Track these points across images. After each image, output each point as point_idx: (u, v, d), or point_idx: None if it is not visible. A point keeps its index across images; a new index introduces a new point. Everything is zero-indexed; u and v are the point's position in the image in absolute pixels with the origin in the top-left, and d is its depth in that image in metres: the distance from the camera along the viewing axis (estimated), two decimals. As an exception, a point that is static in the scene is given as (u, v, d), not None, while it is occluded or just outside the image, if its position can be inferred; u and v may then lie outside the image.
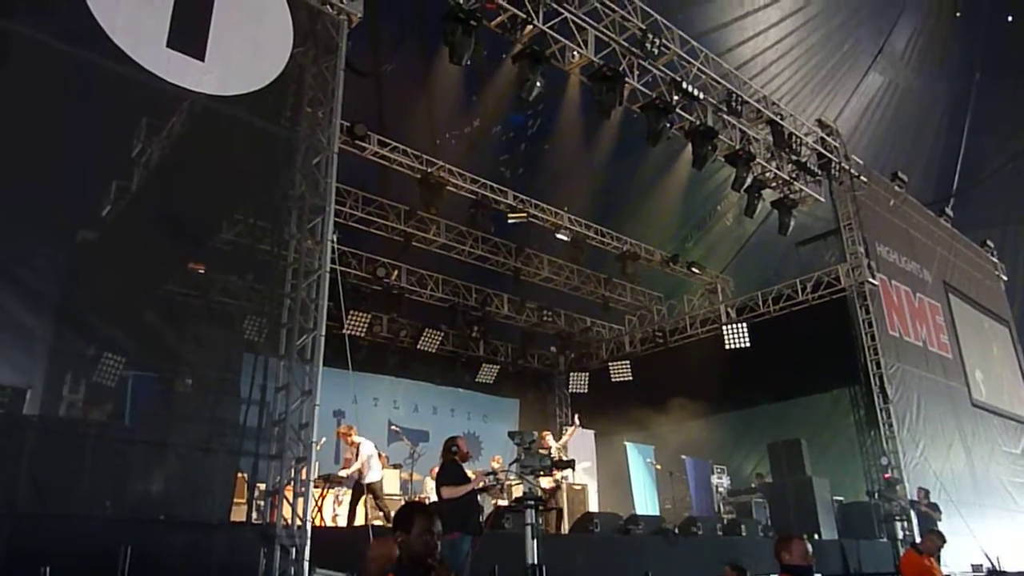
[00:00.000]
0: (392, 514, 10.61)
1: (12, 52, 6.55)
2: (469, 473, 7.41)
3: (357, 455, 10.92)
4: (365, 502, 11.09)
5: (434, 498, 8.41)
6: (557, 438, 13.16)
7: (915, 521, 12.59)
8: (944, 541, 7.99)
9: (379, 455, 11.63)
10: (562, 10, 11.07)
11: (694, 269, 18.28)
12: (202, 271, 9.64)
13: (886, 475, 13.50)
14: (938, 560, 7.84)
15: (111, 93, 7.00)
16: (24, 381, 6.99)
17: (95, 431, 7.32)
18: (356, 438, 11.08)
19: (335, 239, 7.91)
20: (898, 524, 12.90)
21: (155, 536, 5.91)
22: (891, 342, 14.90)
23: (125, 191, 9.01)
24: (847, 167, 15.61)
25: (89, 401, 7.64)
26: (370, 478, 10.92)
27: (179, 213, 7.83)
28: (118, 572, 5.07)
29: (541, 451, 6.65)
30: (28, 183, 6.87)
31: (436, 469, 7.87)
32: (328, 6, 8.64)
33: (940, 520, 12.31)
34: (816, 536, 12.60)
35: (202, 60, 7.22)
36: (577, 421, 13.95)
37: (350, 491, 11.24)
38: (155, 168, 8.93)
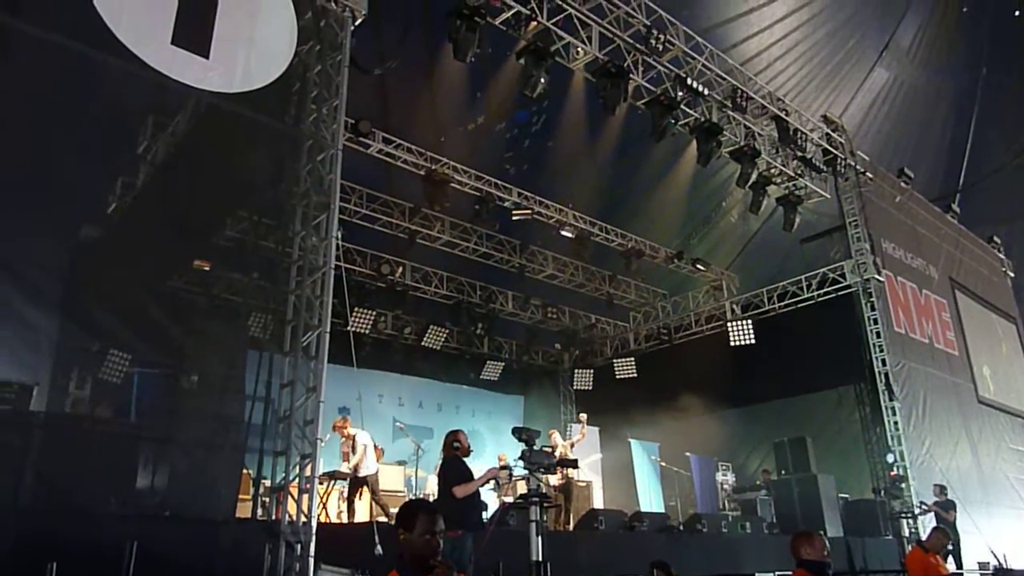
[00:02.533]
0: (391, 509, 10.66)
1: (18, 49, 6.57)
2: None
3: (354, 447, 10.91)
4: (370, 499, 11.08)
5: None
6: (564, 436, 13.13)
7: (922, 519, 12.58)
8: (950, 539, 7.98)
9: (374, 447, 11.62)
10: (566, 6, 11.04)
11: (699, 266, 18.22)
12: (207, 268, 9.66)
13: (892, 472, 13.48)
14: (945, 558, 7.81)
15: (116, 90, 7.03)
16: (31, 377, 7.03)
17: (101, 427, 7.36)
18: (351, 430, 11.05)
19: (340, 236, 7.92)
20: (904, 521, 12.89)
21: (161, 532, 5.92)
22: (897, 339, 14.84)
23: (130, 188, 9.05)
24: (852, 163, 15.56)
25: (95, 397, 7.68)
26: (365, 472, 10.90)
27: (184, 210, 7.86)
28: (123, 568, 5.08)
29: (547, 448, 6.64)
30: (33, 180, 6.90)
31: (439, 465, 7.85)
32: (332, 3, 8.62)
33: (952, 519, 12.29)
34: (822, 533, 12.57)
35: (207, 57, 7.22)
36: (584, 419, 13.85)
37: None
38: (160, 165, 8.96)
